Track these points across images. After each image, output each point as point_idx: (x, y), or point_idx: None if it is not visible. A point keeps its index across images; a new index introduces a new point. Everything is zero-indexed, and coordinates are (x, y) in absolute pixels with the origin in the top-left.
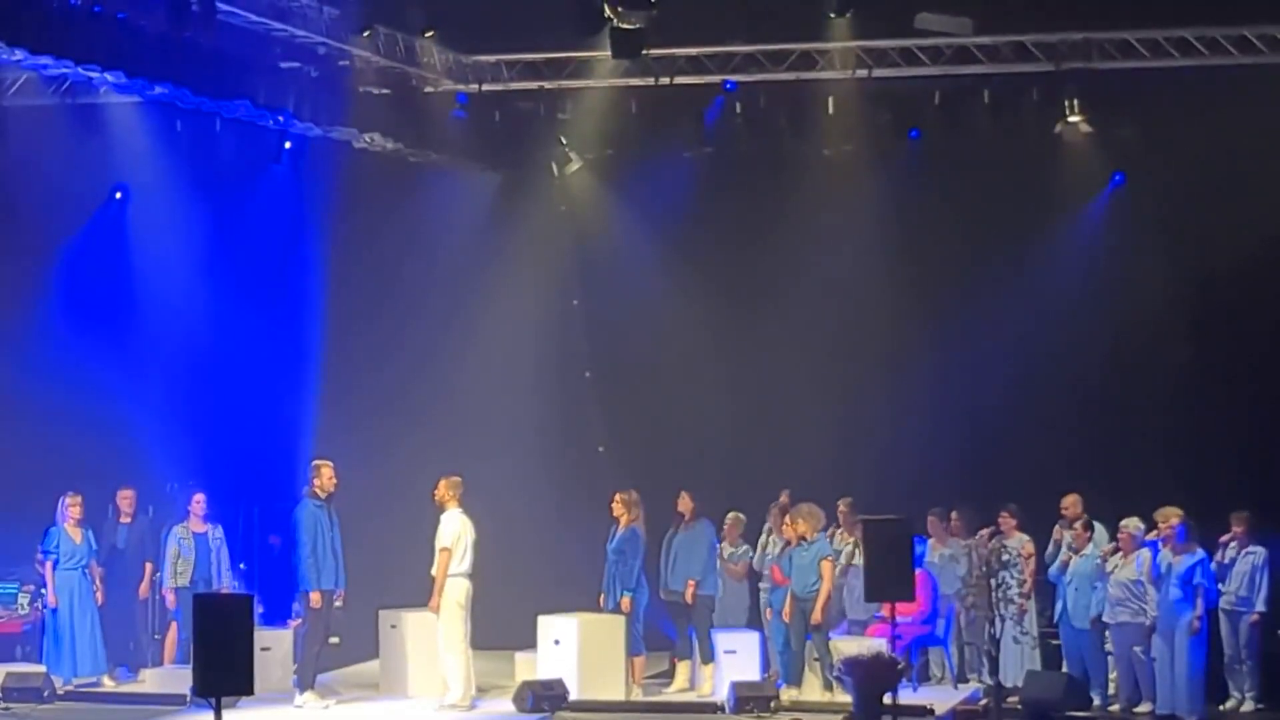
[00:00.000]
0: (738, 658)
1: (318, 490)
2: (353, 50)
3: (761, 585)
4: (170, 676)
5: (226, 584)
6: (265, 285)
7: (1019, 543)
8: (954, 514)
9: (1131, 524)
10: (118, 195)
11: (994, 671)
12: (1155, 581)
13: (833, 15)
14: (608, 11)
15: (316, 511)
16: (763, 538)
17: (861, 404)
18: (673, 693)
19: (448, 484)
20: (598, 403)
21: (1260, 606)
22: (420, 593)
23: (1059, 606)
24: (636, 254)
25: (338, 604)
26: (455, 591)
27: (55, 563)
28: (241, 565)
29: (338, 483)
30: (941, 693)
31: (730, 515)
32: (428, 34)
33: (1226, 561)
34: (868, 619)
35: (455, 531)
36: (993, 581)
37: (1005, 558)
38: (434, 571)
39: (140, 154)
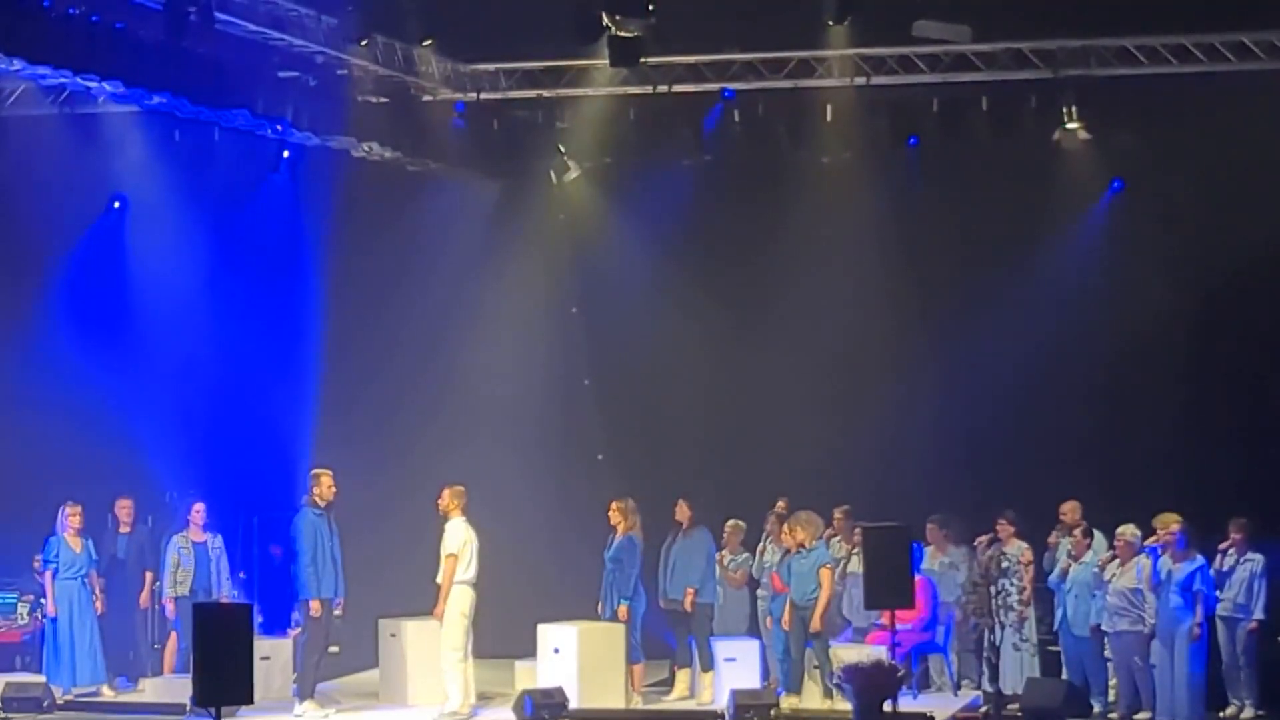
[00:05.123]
0: (737, 665)
1: (317, 499)
2: (351, 59)
3: (760, 593)
4: (170, 686)
5: (226, 593)
6: (264, 294)
7: (1018, 550)
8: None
9: (1128, 531)
10: (116, 205)
11: (994, 679)
12: (1155, 588)
13: (831, 23)
14: (606, 20)
15: (316, 520)
16: (760, 545)
17: (860, 411)
18: (672, 701)
19: (452, 493)
20: (596, 411)
21: (1258, 614)
22: (420, 601)
23: (1059, 614)
24: (635, 262)
25: (337, 613)
26: (460, 600)
27: (55, 572)
28: (241, 574)
29: (337, 491)
30: (941, 700)
31: (730, 523)
32: (426, 43)
33: (1225, 568)
34: (867, 626)
35: (461, 538)
36: (992, 589)
37: (1005, 565)
38: (439, 579)
39: (139, 163)
